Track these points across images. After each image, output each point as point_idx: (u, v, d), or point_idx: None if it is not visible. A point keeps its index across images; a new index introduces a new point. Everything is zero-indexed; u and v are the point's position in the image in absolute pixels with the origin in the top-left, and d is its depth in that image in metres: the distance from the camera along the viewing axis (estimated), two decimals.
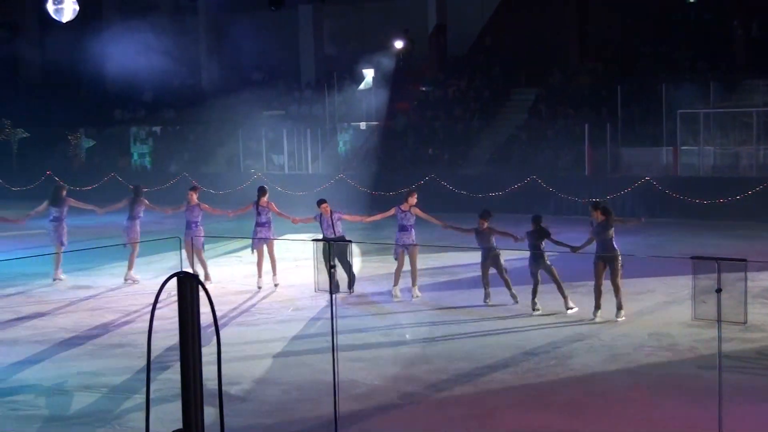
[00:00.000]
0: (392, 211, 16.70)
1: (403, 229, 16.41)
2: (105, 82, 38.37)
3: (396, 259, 16.45)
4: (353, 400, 10.53)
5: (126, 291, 17.78)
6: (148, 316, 15.13)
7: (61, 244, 18.57)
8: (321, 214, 16.86)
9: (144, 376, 11.54)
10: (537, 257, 14.89)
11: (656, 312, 15.01)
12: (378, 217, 17.57)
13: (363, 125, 34.50)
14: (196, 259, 17.79)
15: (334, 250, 15.91)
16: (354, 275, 16.96)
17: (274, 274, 17.65)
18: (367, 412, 10.28)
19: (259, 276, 17.55)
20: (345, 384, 10.35)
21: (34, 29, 35.06)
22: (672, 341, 13.08)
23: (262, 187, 18.08)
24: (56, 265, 18.66)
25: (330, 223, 16.71)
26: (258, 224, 17.66)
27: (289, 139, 34.15)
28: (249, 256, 18.93)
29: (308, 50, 38.07)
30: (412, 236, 16.41)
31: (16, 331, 14.63)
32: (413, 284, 16.31)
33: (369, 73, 35.77)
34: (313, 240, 14.41)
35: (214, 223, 22.61)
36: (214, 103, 35.60)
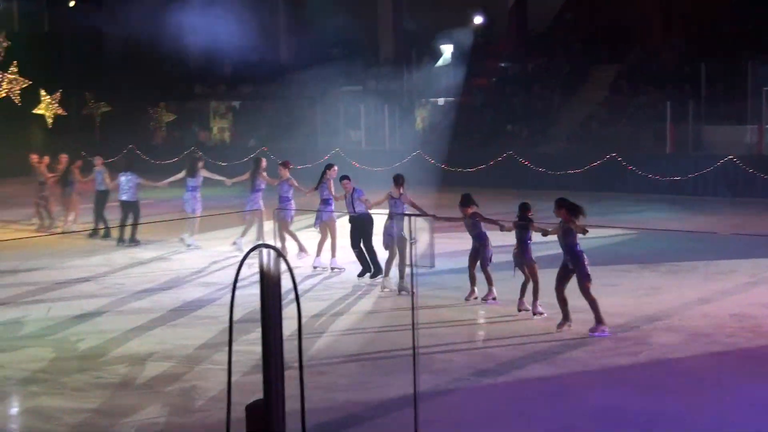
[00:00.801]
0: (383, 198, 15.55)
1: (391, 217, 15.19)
2: (186, 57, 38.77)
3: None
4: (430, 375, 10.52)
5: (214, 259, 18.04)
6: (225, 288, 15.38)
7: (193, 211, 19.43)
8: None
9: (225, 346, 11.73)
10: (522, 251, 13.37)
11: (738, 293, 14.72)
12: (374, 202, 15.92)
13: (441, 101, 34.38)
14: (287, 235, 17.85)
15: (356, 232, 15.83)
16: (374, 262, 15.95)
17: (333, 255, 16.98)
18: (444, 388, 10.26)
19: (317, 255, 17.02)
20: (422, 360, 10.34)
21: (117, 4, 35.50)
22: (755, 322, 12.83)
23: (330, 164, 17.67)
24: (191, 232, 19.47)
25: (350, 200, 16.08)
26: (322, 201, 17.18)
27: (367, 115, 34.19)
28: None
29: (387, 25, 37.98)
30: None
31: (98, 302, 14.90)
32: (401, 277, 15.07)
33: (447, 49, 35.59)
34: (388, 215, 14.38)
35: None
36: (293, 78, 35.77)
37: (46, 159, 22.99)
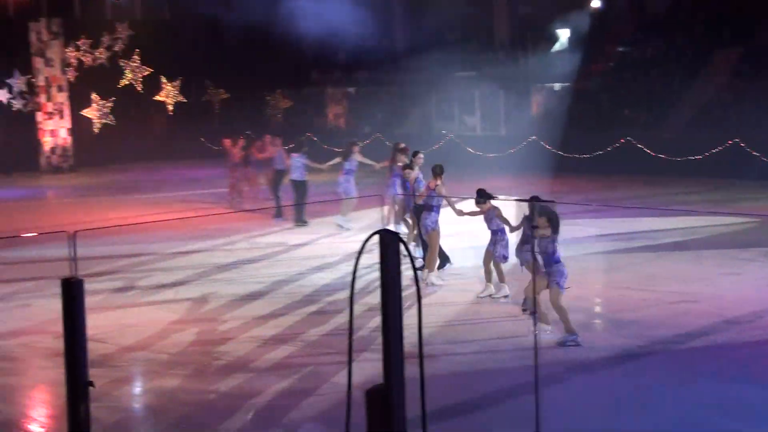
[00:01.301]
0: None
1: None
2: (302, 44, 39.11)
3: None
4: (548, 361, 10.39)
5: (329, 245, 18.20)
6: (346, 273, 15.47)
7: (346, 193, 19.94)
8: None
9: (341, 329, 11.82)
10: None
11: None
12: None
13: (557, 86, 33.93)
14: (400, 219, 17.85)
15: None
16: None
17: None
18: (560, 374, 10.13)
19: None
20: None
21: None
22: None
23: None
24: (344, 213, 20.03)
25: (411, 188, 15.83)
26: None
27: (482, 101, 33.98)
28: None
29: (502, 10, 37.61)
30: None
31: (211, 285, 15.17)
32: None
33: (563, 33, 35.08)
34: (515, 199, 14.20)
35: None
36: (408, 64, 35.73)
37: (241, 142, 24.07)
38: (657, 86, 31.32)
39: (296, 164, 20.84)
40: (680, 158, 26.42)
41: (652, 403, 9.31)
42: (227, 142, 24.44)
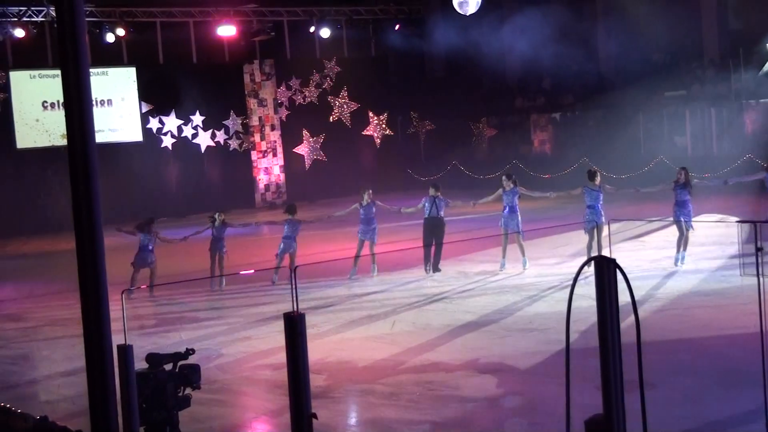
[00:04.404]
0: None
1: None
2: (505, 72, 39.15)
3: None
4: None
5: (530, 273, 18.05)
6: (553, 300, 15.30)
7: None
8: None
9: (556, 359, 11.66)
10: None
11: None
12: None
13: None
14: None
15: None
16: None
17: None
18: None
19: None
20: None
21: (437, 24, 36.45)
22: None
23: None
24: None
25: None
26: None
27: (692, 120, 33.00)
28: (653, 239, 18.65)
29: (712, 26, 36.44)
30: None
31: (423, 314, 15.28)
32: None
33: None
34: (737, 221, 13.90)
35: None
36: (614, 86, 35.14)
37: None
38: None
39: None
40: None
41: None
42: None
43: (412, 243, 19.94)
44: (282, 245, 18.91)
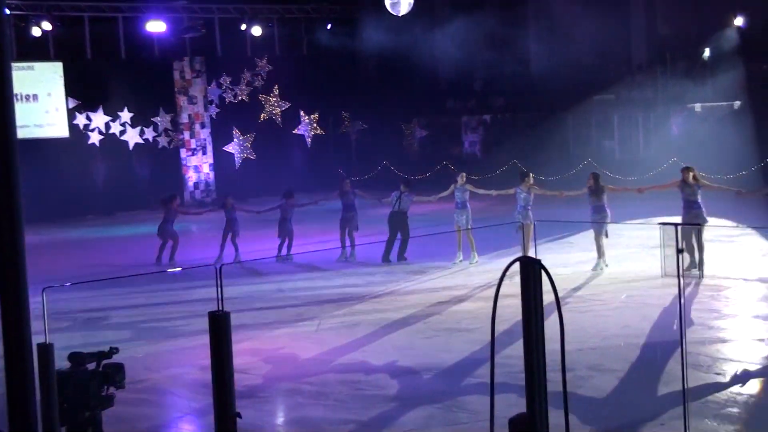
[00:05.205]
0: None
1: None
2: (437, 74, 39.33)
3: None
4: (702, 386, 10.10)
5: (462, 273, 18.17)
6: (481, 300, 15.40)
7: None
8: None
9: (481, 358, 11.73)
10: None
11: None
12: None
13: (698, 107, 33.14)
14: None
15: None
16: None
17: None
18: (716, 401, 9.80)
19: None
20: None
21: (370, 24, 36.45)
22: None
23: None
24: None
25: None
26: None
27: (620, 124, 33.48)
28: (580, 241, 18.93)
29: (640, 31, 37.00)
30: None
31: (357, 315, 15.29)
32: None
33: (704, 53, 34.27)
34: (660, 224, 14.17)
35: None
36: (544, 89, 35.50)
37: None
38: None
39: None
40: None
41: None
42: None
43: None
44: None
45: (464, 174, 20.23)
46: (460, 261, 19.41)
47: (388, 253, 20.06)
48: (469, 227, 19.33)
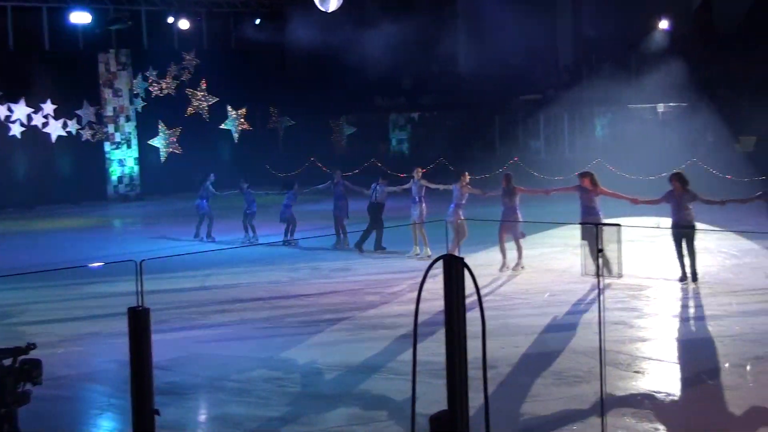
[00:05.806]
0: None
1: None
2: (366, 71, 39.33)
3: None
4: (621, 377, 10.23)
5: (386, 271, 18.19)
6: (407, 298, 15.43)
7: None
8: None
9: (404, 356, 11.74)
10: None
11: None
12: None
13: (624, 108, 33.63)
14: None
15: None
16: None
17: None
18: (634, 398, 9.93)
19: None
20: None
21: (299, 20, 36.29)
22: None
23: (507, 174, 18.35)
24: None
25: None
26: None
27: (546, 124, 33.81)
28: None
29: (566, 33, 37.45)
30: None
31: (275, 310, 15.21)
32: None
33: (629, 55, 34.79)
34: (580, 223, 14.30)
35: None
36: (471, 88, 35.70)
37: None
38: (725, 107, 30.84)
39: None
40: (747, 179, 26.03)
41: None
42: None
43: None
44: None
45: (420, 168, 20.57)
46: (417, 255, 19.54)
47: (362, 240, 20.63)
48: (422, 221, 19.63)
